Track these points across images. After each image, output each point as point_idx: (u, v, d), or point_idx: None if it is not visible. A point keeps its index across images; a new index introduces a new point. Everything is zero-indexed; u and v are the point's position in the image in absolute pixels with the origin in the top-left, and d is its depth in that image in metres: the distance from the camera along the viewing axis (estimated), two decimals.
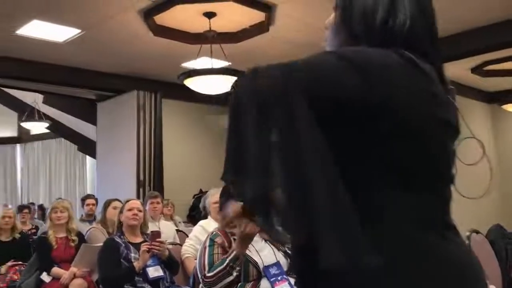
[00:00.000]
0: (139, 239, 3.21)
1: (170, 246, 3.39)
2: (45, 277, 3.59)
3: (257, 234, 2.29)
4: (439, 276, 0.78)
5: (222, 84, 4.75)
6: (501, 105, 7.11)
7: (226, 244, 2.31)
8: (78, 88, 6.78)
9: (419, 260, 0.78)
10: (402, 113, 0.79)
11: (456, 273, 0.80)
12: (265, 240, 2.37)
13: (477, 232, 3.18)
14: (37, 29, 4.80)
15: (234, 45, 5.25)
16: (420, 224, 0.80)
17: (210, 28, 4.78)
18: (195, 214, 6.62)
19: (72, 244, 3.80)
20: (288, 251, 2.39)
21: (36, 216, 7.71)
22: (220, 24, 4.81)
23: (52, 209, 3.90)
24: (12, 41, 5.08)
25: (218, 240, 2.33)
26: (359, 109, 0.77)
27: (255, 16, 4.76)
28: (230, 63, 5.56)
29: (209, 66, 4.86)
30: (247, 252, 2.26)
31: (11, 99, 10.79)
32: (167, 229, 4.19)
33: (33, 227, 5.70)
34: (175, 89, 6.45)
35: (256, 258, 2.28)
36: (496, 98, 7.69)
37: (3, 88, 9.93)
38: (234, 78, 4.16)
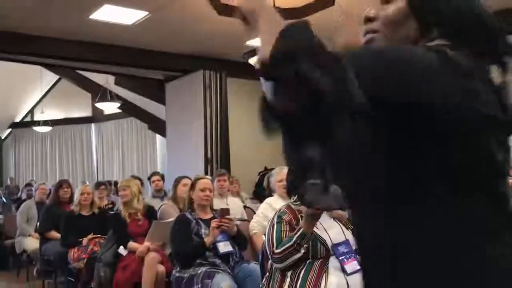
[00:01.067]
0: (209, 216, 3.30)
1: (238, 222, 3.47)
2: (122, 250, 3.80)
3: (326, 212, 2.29)
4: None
5: None
6: None
7: (294, 221, 2.33)
8: (146, 68, 7.01)
9: (480, 270, 0.79)
10: (452, 114, 0.79)
11: None
12: (334, 218, 2.36)
13: None
14: (108, 13, 5.00)
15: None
16: (476, 228, 0.81)
17: (274, 4, 4.73)
18: (260, 191, 6.70)
19: (140, 222, 3.96)
20: None
21: (112, 192, 8.13)
22: (284, 0, 4.75)
23: (119, 188, 4.11)
24: (85, 25, 5.33)
25: (286, 217, 2.35)
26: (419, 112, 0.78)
27: None
28: None
29: None
30: (315, 229, 2.26)
31: (85, 81, 11.36)
32: (234, 206, 4.28)
33: (110, 202, 6.03)
34: (240, 68, 6.50)
35: (324, 236, 2.28)
36: None
37: (77, 71, 10.48)
38: None
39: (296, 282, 2.20)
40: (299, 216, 2.34)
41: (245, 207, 4.74)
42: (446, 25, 0.88)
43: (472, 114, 0.80)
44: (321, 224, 2.31)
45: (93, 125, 14.42)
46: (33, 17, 5.03)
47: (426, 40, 0.88)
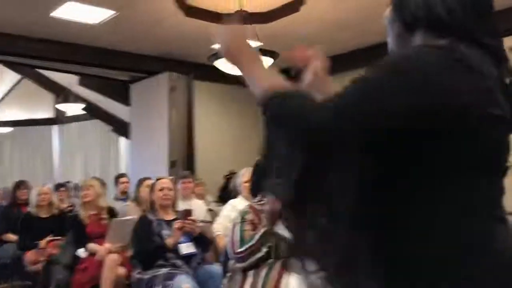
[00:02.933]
0: (171, 217, 3.27)
1: (201, 224, 3.44)
2: (81, 252, 3.71)
3: None
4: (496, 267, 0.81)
5: None
6: None
7: (257, 221, 2.33)
8: (111, 69, 6.88)
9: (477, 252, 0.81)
10: (459, 116, 0.80)
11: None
12: None
13: None
14: (72, 11, 4.88)
15: (265, 25, 5.22)
16: (480, 213, 0.83)
17: (241, 8, 4.75)
18: (225, 195, 6.68)
19: (104, 221, 3.90)
20: None
21: (72, 194, 7.94)
22: (251, 4, 4.77)
23: (80, 188, 4.02)
24: (48, 23, 5.19)
25: (249, 217, 2.35)
26: (423, 124, 0.79)
27: None
28: (261, 44, 5.53)
29: None
30: (278, 229, 2.27)
31: (47, 81, 11.08)
32: (198, 208, 4.24)
33: (70, 205, 5.88)
34: (207, 71, 6.46)
35: (287, 234, 2.29)
36: None
37: (39, 70, 10.21)
38: (266, 58, 4.10)
39: (258, 281, 2.20)
40: (262, 216, 2.34)
41: (209, 209, 4.71)
42: (432, 23, 0.90)
43: (483, 114, 0.82)
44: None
45: (56, 126, 14.05)
46: None
47: (433, 37, 0.89)
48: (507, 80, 0.88)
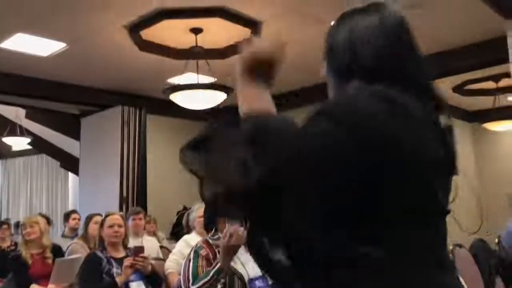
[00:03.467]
0: (121, 254, 3.15)
1: (153, 262, 3.34)
2: None
3: (243, 246, 2.27)
4: None
5: (208, 99, 4.77)
6: (481, 123, 7.23)
7: (211, 256, 2.28)
8: (61, 102, 6.72)
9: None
10: (398, 164, 0.78)
11: None
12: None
13: (460, 246, 3.20)
14: (21, 43, 4.77)
15: (220, 61, 5.29)
16: (423, 261, 0.81)
17: (196, 44, 4.81)
18: (178, 231, 6.54)
19: (48, 261, 3.71)
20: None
21: (13, 232, 7.53)
22: (206, 40, 4.84)
23: (22, 225, 3.82)
24: None
25: (203, 252, 2.30)
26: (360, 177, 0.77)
27: (241, 32, 4.80)
28: (216, 79, 5.59)
29: (195, 82, 4.87)
30: (233, 264, 2.23)
31: None
32: (150, 245, 4.13)
33: (12, 243, 5.57)
34: (160, 105, 6.45)
35: (241, 270, 2.25)
36: (477, 117, 7.83)
37: None
38: (220, 93, 4.14)
39: None
40: (216, 251, 2.30)
41: (161, 246, 4.59)
42: (362, 70, 0.90)
43: (422, 158, 0.81)
44: (238, 258, 2.29)
45: None
46: None
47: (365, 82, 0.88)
48: (440, 121, 0.89)
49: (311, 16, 4.34)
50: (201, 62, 4.95)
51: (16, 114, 9.25)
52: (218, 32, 4.79)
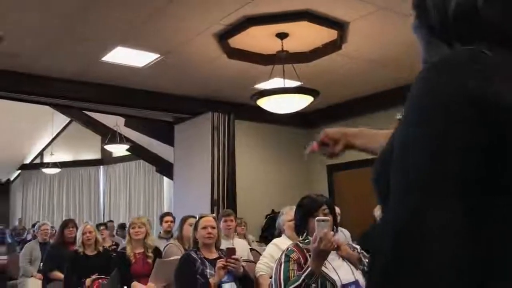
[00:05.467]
0: (214, 255, 3.24)
1: (244, 264, 3.39)
2: None
3: (334, 251, 2.24)
4: None
5: (294, 104, 4.77)
6: None
7: (302, 260, 2.27)
8: (156, 111, 7.10)
9: None
10: None
11: None
12: (343, 258, 2.30)
13: None
14: (120, 55, 5.11)
15: (307, 64, 5.28)
16: None
17: (282, 49, 4.84)
18: (267, 235, 6.61)
19: (149, 260, 3.92)
20: (366, 270, 2.31)
21: (115, 233, 8.07)
22: (292, 44, 4.86)
23: (130, 225, 4.05)
24: (98, 67, 5.45)
25: (294, 256, 2.30)
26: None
27: (327, 34, 4.76)
28: (302, 83, 5.59)
29: (281, 86, 4.90)
30: (324, 269, 2.20)
31: (95, 123, 11.52)
32: (241, 247, 4.21)
33: (113, 243, 5.96)
34: (248, 110, 6.57)
35: (333, 275, 2.22)
36: None
37: (87, 113, 10.65)
38: (307, 97, 4.12)
39: None
40: (307, 255, 2.29)
41: (251, 249, 4.66)
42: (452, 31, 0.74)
43: None
44: (329, 263, 2.25)
45: (101, 167, 14.48)
46: (45, 57, 5.14)
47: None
48: None
49: (405, 14, 4.19)
50: (287, 66, 4.97)
51: (116, 122, 9.94)
52: (303, 36, 4.79)
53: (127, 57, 5.17)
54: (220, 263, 3.03)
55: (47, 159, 14.47)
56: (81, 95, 6.15)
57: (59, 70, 5.58)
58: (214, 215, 3.85)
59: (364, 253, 2.47)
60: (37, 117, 11.53)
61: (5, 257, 6.76)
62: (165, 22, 4.39)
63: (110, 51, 5.00)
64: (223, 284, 3.02)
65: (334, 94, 6.77)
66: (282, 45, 4.81)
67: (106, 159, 14.11)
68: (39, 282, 5.22)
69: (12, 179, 15.39)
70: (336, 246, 2.22)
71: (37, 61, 5.25)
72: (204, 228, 3.23)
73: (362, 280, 2.28)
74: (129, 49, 4.98)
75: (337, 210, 4.75)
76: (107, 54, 5.06)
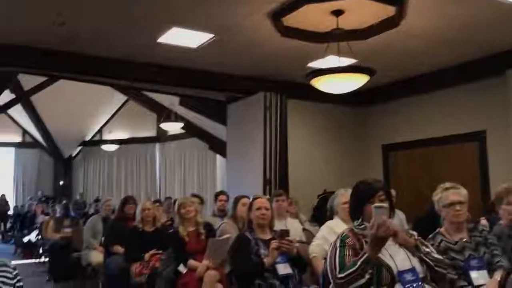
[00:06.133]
0: (268, 236, 3.28)
1: (297, 245, 3.41)
2: (181, 268, 3.84)
3: (391, 238, 2.20)
4: None
5: (350, 83, 4.67)
6: None
7: (357, 246, 2.25)
8: (209, 90, 7.17)
9: None
10: None
11: None
12: (400, 245, 2.26)
13: None
14: (175, 36, 5.17)
15: (362, 42, 5.13)
16: None
17: (337, 26, 4.72)
18: (319, 215, 6.59)
19: (202, 237, 4.02)
20: (424, 257, 2.25)
21: (171, 210, 8.30)
22: (348, 21, 4.72)
23: (180, 205, 4.13)
24: (154, 48, 5.55)
25: (349, 241, 2.28)
26: None
27: (384, 11, 4.59)
28: (357, 60, 5.45)
29: (336, 65, 4.80)
30: (380, 255, 2.17)
31: (151, 102, 11.82)
32: (293, 228, 4.21)
33: (169, 219, 6.15)
34: (300, 89, 6.51)
35: (390, 262, 2.18)
36: None
37: (144, 92, 10.93)
38: (363, 76, 3.99)
39: None
40: (363, 240, 2.26)
41: (304, 229, 4.66)
42: None
43: None
44: (386, 250, 2.21)
45: (157, 144, 14.92)
46: (105, 39, 5.30)
47: None
48: None
49: None
50: (342, 44, 4.85)
51: (170, 101, 10.15)
52: (359, 13, 4.64)
53: (182, 37, 5.23)
54: (274, 244, 3.06)
55: (106, 136, 15.08)
56: (139, 76, 6.31)
57: (118, 52, 5.74)
58: (268, 196, 3.88)
59: (422, 240, 2.41)
60: (96, 95, 11.98)
61: (69, 229, 7.13)
62: (219, 1, 4.38)
63: (165, 32, 5.07)
64: (277, 265, 3.05)
65: (390, 73, 6.57)
66: (337, 22, 4.69)
67: (162, 137, 14.50)
68: (101, 255, 5.48)
69: (73, 155, 16.15)
70: (393, 232, 2.17)
71: (97, 43, 5.42)
72: (258, 209, 3.26)
73: (419, 267, 2.23)
74: (184, 29, 5.02)
75: (393, 193, 4.66)
76: (163, 35, 5.14)
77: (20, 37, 5.18)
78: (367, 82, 4.81)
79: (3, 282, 1.53)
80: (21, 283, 1.60)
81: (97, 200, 11.64)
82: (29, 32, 5.03)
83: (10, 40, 5.24)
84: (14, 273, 1.63)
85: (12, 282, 1.57)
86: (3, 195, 14.82)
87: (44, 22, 4.74)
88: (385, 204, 2.20)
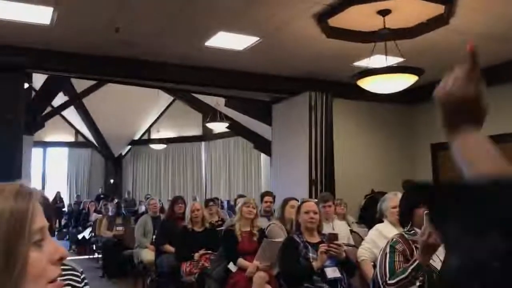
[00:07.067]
0: (316, 239, 3.30)
1: (345, 248, 3.42)
2: (232, 267, 3.93)
3: (442, 245, 2.18)
4: None
5: (398, 83, 4.61)
6: None
7: (408, 252, 2.25)
8: (254, 91, 7.25)
9: None
10: None
11: None
12: None
13: None
14: (222, 40, 5.28)
15: (410, 40, 5.05)
16: None
17: (384, 26, 4.67)
18: (366, 216, 6.54)
19: (255, 238, 4.08)
20: None
21: (220, 209, 8.45)
22: (394, 20, 4.67)
23: (244, 204, 4.20)
24: (201, 52, 5.68)
25: (399, 247, 2.28)
26: None
27: (433, 9, 4.50)
28: (405, 59, 5.36)
29: (383, 64, 4.75)
30: (431, 261, 2.16)
31: (197, 102, 12.06)
32: (341, 230, 4.22)
33: (220, 219, 6.27)
34: (345, 89, 6.47)
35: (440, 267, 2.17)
36: None
37: (192, 93, 11.15)
38: (411, 76, 3.92)
39: None
40: (413, 246, 2.26)
41: (351, 231, 4.66)
42: None
43: None
44: (437, 256, 2.20)
45: (203, 143, 15.19)
46: (155, 45, 5.47)
47: None
48: None
49: None
50: (390, 43, 4.79)
51: (216, 102, 10.32)
52: (407, 11, 4.57)
53: (228, 41, 5.32)
54: (322, 248, 3.09)
55: (154, 135, 15.49)
56: (187, 79, 6.47)
57: (166, 56, 5.91)
58: (316, 200, 3.90)
59: None
60: (144, 96, 12.32)
61: (121, 228, 7.39)
62: (265, 5, 4.44)
63: (212, 36, 5.18)
64: (325, 269, 3.07)
65: (438, 70, 6.40)
66: (384, 22, 4.64)
67: (207, 136, 14.75)
68: (152, 253, 5.66)
69: (123, 153, 16.67)
70: None
71: (148, 48, 5.60)
72: (307, 213, 3.29)
73: None
74: (230, 33, 5.12)
75: None
76: (210, 39, 5.25)
77: (78, 44, 5.43)
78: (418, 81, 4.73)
79: (72, 286, 1.63)
80: (88, 286, 1.70)
81: (147, 199, 11.98)
82: (86, 39, 5.26)
83: (65, 48, 5.51)
84: (82, 277, 1.73)
85: (80, 285, 1.67)
86: (58, 192, 15.46)
87: (101, 29, 4.95)
88: None
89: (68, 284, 1.70)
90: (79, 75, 6.98)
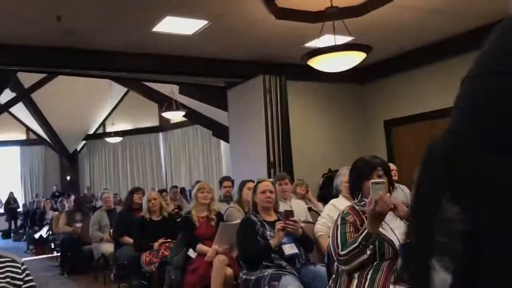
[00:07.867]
0: (273, 218, 3.32)
1: (303, 225, 3.45)
2: (191, 253, 3.91)
3: (392, 212, 2.23)
4: None
5: (347, 61, 4.66)
6: None
7: (358, 222, 2.28)
8: (208, 77, 7.17)
9: None
10: None
11: None
12: (401, 218, 2.29)
13: None
14: (170, 25, 5.17)
15: (358, 19, 5.10)
16: None
17: (331, 4, 4.70)
18: (325, 194, 6.64)
19: (212, 223, 4.07)
20: None
21: (178, 197, 8.39)
22: None
23: (199, 190, 4.16)
24: (149, 38, 5.55)
25: (349, 218, 2.31)
26: None
27: None
28: (354, 38, 5.42)
29: (332, 43, 4.79)
30: (382, 230, 2.21)
31: (151, 92, 11.83)
32: (298, 208, 4.26)
33: (176, 207, 6.22)
34: (299, 70, 6.49)
35: (391, 236, 2.22)
36: None
37: (144, 83, 10.93)
38: (359, 53, 3.99)
39: (364, 284, 2.16)
40: (363, 217, 2.30)
41: (309, 209, 4.71)
42: None
43: None
44: (387, 224, 2.25)
45: (160, 134, 14.97)
46: (99, 32, 5.30)
47: None
48: None
49: None
50: (338, 22, 4.83)
51: (171, 90, 10.16)
52: None
53: (177, 26, 5.22)
54: (279, 225, 3.10)
55: (109, 128, 15.14)
56: (137, 67, 6.32)
57: (114, 44, 5.74)
58: (271, 179, 3.91)
59: None
60: (96, 89, 12.00)
61: (80, 224, 7.21)
62: None
63: (160, 21, 5.07)
64: (283, 246, 3.10)
65: (388, 47, 6.54)
66: (331, 0, 4.67)
67: (164, 126, 14.54)
68: (111, 246, 5.57)
69: (78, 149, 16.24)
70: (392, 207, 2.20)
71: (93, 37, 5.42)
72: (263, 192, 3.30)
73: None
74: (178, 17, 5.02)
75: (393, 167, 4.68)
76: (157, 24, 5.13)
77: (17, 36, 5.19)
78: (365, 58, 4.80)
79: (11, 278, 1.57)
80: (30, 277, 1.64)
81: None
82: (26, 30, 5.03)
83: (6, 40, 5.26)
84: (23, 267, 1.66)
85: (21, 277, 1.61)
86: (11, 193, 14.94)
87: (41, 18, 4.74)
88: (382, 180, 2.23)
89: (7, 276, 1.63)
90: (19, 67, 6.69)
